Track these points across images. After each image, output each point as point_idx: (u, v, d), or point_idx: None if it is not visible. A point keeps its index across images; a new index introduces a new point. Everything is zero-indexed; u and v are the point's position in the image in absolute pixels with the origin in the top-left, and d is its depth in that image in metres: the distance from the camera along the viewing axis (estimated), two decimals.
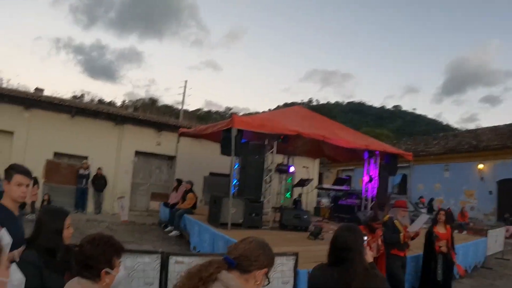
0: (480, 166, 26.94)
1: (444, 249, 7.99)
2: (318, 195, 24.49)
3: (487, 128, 33.05)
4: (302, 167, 17.32)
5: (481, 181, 27.07)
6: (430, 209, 23.89)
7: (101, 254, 2.58)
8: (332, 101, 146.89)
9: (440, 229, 8.17)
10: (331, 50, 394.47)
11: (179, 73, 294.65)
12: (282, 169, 15.46)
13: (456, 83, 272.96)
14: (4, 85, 23.63)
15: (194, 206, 14.19)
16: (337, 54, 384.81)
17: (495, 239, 15.02)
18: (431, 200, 26.42)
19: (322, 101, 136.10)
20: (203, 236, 10.59)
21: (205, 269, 2.17)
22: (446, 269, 8.04)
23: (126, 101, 70.02)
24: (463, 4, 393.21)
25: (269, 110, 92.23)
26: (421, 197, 25.95)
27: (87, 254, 2.58)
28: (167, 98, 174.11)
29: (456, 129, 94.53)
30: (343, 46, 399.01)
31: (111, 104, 56.09)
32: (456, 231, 19.74)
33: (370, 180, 16.01)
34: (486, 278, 11.72)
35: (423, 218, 8.14)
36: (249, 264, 2.30)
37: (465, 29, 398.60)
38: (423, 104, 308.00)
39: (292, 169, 16.99)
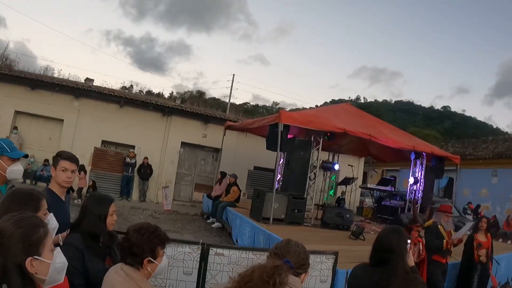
0: None
1: (483, 258, 7.75)
2: (362, 195, 24.27)
3: None
4: (347, 165, 17.20)
5: None
6: (476, 216, 23.37)
7: (146, 243, 2.67)
8: (380, 99, 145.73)
9: (481, 238, 7.95)
10: (381, 47, 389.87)
11: (227, 66, 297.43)
12: (327, 167, 15.35)
13: (509, 84, 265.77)
14: (56, 75, 24.24)
15: (237, 200, 14.27)
16: (387, 52, 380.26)
17: None
18: (478, 206, 25.83)
19: (370, 99, 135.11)
20: (243, 229, 10.64)
21: (272, 274, 2.00)
22: (482, 280, 7.80)
23: (174, 93, 70.70)
24: None
25: (316, 106, 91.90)
26: (469, 202, 25.32)
27: (132, 242, 2.67)
28: (215, 91, 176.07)
29: (506, 133, 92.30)
30: (393, 44, 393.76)
31: (159, 95, 56.71)
32: (500, 240, 19.40)
33: (416, 182, 15.77)
34: None
35: (470, 225, 7.94)
36: (301, 267, 2.44)
37: None
38: (473, 106, 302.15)
39: (337, 166, 16.85)
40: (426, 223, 7.95)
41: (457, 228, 8.34)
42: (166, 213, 15.63)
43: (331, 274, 6.14)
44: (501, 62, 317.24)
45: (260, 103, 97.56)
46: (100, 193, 3.46)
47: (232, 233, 11.73)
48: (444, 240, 7.17)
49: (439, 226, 7.38)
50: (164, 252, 2.80)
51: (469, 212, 23.54)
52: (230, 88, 44.35)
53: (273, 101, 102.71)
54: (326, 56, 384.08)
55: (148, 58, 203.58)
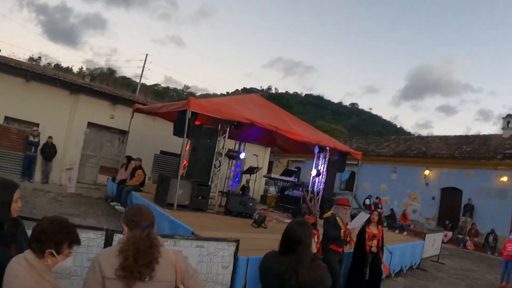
0: (427, 172, 27.79)
1: (374, 249, 8.31)
2: (266, 184, 24.73)
3: (437, 136, 34.06)
4: (253, 155, 17.53)
5: (426, 187, 27.97)
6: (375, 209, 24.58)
7: (54, 233, 2.68)
8: (292, 91, 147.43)
9: (372, 229, 8.48)
10: (298, 41, 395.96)
11: (142, 45, 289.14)
12: (232, 155, 15.54)
13: (416, 89, 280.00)
14: None
15: (142, 184, 14.24)
16: (304, 46, 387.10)
17: (433, 243, 15.56)
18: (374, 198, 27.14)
19: (282, 90, 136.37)
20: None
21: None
22: (374, 268, 8.34)
23: (84, 69, 68.64)
24: (433, 16, 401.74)
25: (228, 93, 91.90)
26: (377, 197, 26.82)
27: (42, 228, 2.69)
28: (127, 69, 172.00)
29: (409, 133, 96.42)
30: (312, 39, 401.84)
31: (68, 70, 54.88)
32: (397, 231, 20.48)
33: (318, 174, 16.35)
34: (420, 279, 12.22)
35: (364, 216, 8.42)
36: (154, 225, 3.08)
37: (432, 40, 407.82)
38: (381, 106, 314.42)
39: (242, 155, 17.16)
40: (325, 214, 8.41)
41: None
42: (69, 196, 15.20)
43: (232, 261, 6.36)
44: (410, 68, 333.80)
45: (173, 86, 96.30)
46: (4, 179, 3.36)
47: None
48: (342, 231, 7.66)
49: (337, 217, 7.85)
50: (70, 252, 2.79)
51: (380, 206, 24.78)
52: (142, 68, 43.42)
53: (185, 85, 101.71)
54: (243, 44, 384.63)
55: (60, 29, 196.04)
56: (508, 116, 28.58)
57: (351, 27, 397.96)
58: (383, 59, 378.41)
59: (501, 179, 24.46)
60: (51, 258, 2.67)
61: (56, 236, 2.68)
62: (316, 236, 6.96)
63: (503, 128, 28.31)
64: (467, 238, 23.14)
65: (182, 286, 2.92)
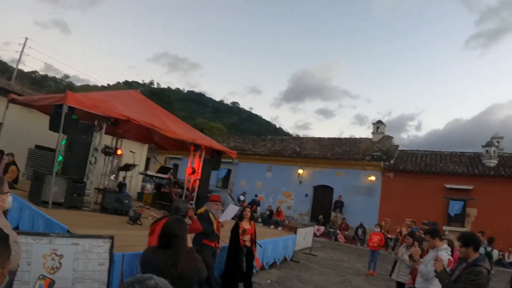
0: (300, 171, 29.03)
1: (248, 243, 8.74)
2: (144, 180, 24.58)
3: (312, 138, 35.72)
4: (130, 151, 17.41)
5: (300, 185, 29.24)
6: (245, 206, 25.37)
7: None
8: (175, 87, 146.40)
9: (245, 225, 8.88)
10: (185, 37, 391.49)
11: (24, 27, 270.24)
12: (108, 151, 15.33)
13: (298, 92, 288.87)
14: None
15: (15, 180, 13.67)
16: (191, 43, 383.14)
17: (304, 236, 16.38)
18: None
19: (165, 85, 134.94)
20: (23, 213, 10.23)
21: None
22: (247, 262, 8.78)
23: None
24: (318, 22, 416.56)
25: (108, 85, 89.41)
26: (256, 195, 27.77)
27: None
28: (5, 53, 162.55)
29: (287, 133, 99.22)
30: (198, 36, 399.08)
31: None
32: (272, 227, 21.17)
33: (193, 172, 16.57)
34: (293, 270, 12.86)
35: (233, 208, 8.74)
36: None
37: (316, 46, 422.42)
38: (263, 106, 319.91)
39: (119, 152, 16.98)
40: (199, 210, 8.69)
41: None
42: None
43: (108, 257, 6.42)
44: (294, 71, 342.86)
45: (52, 74, 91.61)
46: None
47: (7, 217, 11.10)
48: (214, 225, 7.98)
49: (210, 213, 8.14)
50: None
51: (259, 203, 25.66)
52: (20, 53, 40.74)
53: (64, 74, 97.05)
54: (130, 36, 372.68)
55: None
56: (378, 122, 30.79)
57: (239, 28, 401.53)
58: (269, 62, 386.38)
59: (369, 178, 26.23)
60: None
61: None
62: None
63: (373, 133, 30.34)
64: (338, 231, 24.44)
65: None
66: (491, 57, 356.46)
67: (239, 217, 9.12)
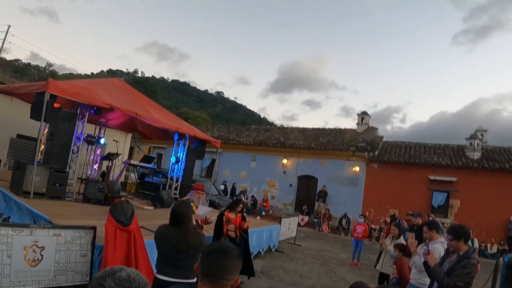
0: (284, 161, 29.03)
1: (232, 233, 8.65)
2: (127, 170, 24.43)
3: (296, 128, 35.76)
4: (113, 140, 17.23)
5: (284, 174, 29.23)
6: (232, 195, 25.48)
7: None
8: (165, 77, 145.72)
9: (230, 215, 8.80)
10: (175, 27, 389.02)
11: (10, 14, 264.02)
12: (91, 140, 15.13)
13: (285, 83, 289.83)
14: None
15: None
16: (181, 33, 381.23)
17: (288, 226, 16.37)
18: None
19: (154, 75, 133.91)
20: (9, 203, 10.00)
21: None
22: (241, 250, 8.69)
23: None
24: (308, 14, 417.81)
25: (92, 74, 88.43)
26: (234, 183, 27.95)
27: None
28: None
29: (272, 123, 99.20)
30: (189, 26, 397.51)
31: None
32: (258, 217, 21.18)
33: (177, 161, 16.48)
34: (277, 260, 12.88)
35: (203, 209, 8.63)
36: None
37: (305, 36, 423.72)
38: (250, 96, 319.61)
39: (102, 141, 16.81)
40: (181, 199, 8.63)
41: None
42: None
43: (90, 248, 6.34)
44: (283, 62, 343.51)
45: (38, 63, 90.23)
46: None
47: None
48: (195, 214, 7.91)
49: (191, 202, 8.05)
50: None
51: (246, 198, 25.73)
52: (2, 41, 40.07)
53: (47, 62, 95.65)
54: (119, 25, 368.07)
55: None
56: (363, 113, 30.86)
57: (229, 19, 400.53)
58: (258, 53, 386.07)
59: (354, 168, 26.30)
60: None
61: None
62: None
63: (357, 124, 30.40)
64: (323, 221, 24.50)
65: None
66: (478, 53, 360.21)
67: (228, 207, 9.07)
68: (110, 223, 6.05)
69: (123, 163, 17.08)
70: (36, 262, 5.74)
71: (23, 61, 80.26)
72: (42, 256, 5.80)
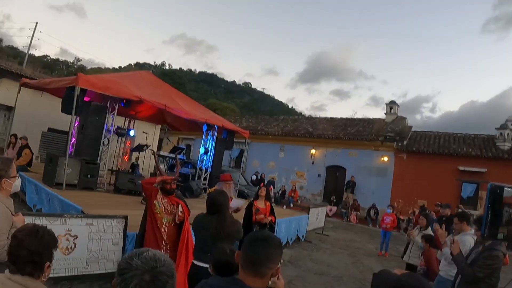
0: (313, 151, 28.90)
1: (264, 221, 8.69)
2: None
3: (324, 118, 35.48)
4: (142, 132, 17.45)
5: (312, 165, 29.12)
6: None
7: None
8: (193, 69, 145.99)
9: (260, 204, 8.87)
10: (203, 20, 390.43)
11: (39, 12, 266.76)
12: (121, 133, 15.35)
13: (313, 73, 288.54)
14: None
15: (29, 163, 13.73)
16: (209, 25, 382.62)
17: (316, 216, 16.40)
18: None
19: (182, 67, 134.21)
20: (41, 195, 10.31)
21: None
22: None
23: None
24: (335, 5, 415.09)
25: (120, 68, 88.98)
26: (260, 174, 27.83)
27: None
28: (20, 39, 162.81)
29: (300, 113, 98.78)
30: (217, 19, 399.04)
31: None
32: (285, 207, 21.24)
33: (206, 152, 16.63)
34: (305, 250, 12.91)
35: (237, 201, 8.71)
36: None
37: (333, 26, 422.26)
38: (278, 87, 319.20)
39: (132, 133, 17.03)
40: (209, 190, 8.77)
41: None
42: None
43: (122, 237, 6.51)
44: (311, 53, 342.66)
45: (66, 59, 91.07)
46: None
47: (26, 199, 10.85)
48: None
49: None
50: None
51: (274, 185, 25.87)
52: (31, 37, 40.18)
53: (76, 57, 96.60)
54: (148, 19, 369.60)
55: None
56: (391, 102, 30.46)
57: (257, 10, 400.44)
58: (287, 44, 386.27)
59: (382, 159, 26.03)
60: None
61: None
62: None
63: (386, 113, 30.06)
64: (351, 212, 24.45)
65: None
66: (510, 40, 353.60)
67: (255, 197, 9.13)
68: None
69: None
70: (70, 250, 5.93)
71: (51, 57, 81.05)
72: (75, 244, 5.99)
